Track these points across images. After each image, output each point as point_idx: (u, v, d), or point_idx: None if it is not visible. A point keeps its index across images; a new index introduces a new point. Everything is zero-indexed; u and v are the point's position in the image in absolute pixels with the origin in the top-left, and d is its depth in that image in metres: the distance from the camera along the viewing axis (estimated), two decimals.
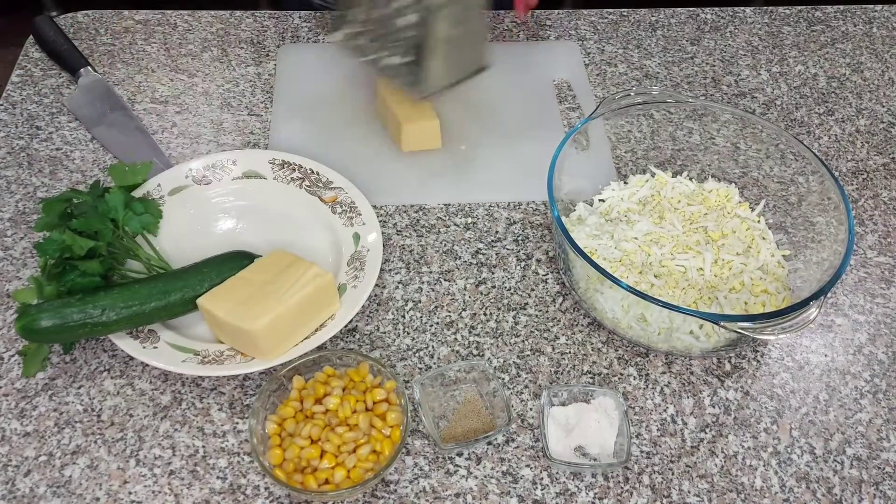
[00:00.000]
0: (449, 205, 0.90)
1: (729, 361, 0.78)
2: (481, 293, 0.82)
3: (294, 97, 1.00)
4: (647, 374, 0.77)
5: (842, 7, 1.19)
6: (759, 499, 0.69)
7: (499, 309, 0.81)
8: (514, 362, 0.77)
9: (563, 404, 0.73)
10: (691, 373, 0.77)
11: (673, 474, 0.70)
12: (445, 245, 0.86)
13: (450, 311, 0.80)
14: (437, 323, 0.79)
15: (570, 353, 0.78)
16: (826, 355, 0.80)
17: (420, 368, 0.76)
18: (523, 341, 0.79)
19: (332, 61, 1.04)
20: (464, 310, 0.81)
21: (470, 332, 0.79)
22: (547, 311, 0.81)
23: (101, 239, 0.74)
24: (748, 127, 0.86)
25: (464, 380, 0.74)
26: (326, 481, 0.65)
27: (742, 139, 0.87)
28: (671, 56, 1.10)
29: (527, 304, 0.82)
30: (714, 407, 0.75)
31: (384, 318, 0.80)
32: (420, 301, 0.81)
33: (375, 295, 0.81)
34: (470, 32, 0.85)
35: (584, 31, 1.12)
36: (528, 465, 0.70)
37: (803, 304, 0.68)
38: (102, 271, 0.73)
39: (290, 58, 1.05)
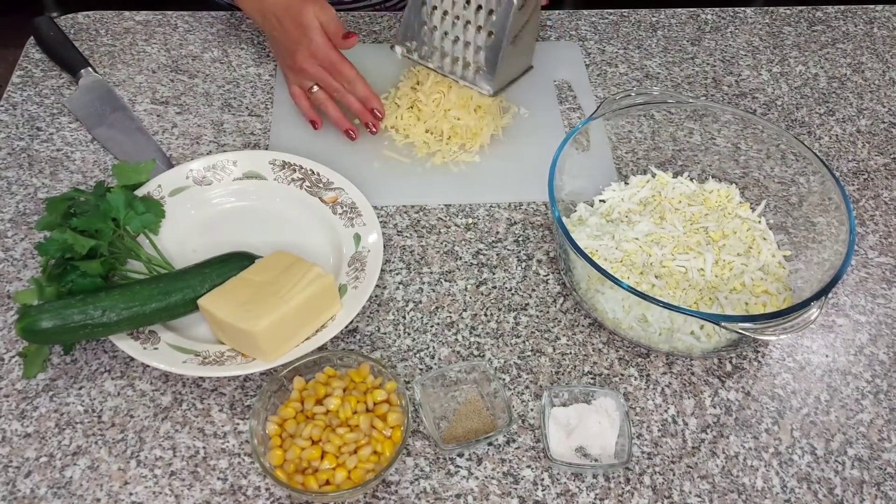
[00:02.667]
0: (449, 205, 0.90)
1: (730, 362, 0.78)
2: (482, 294, 0.82)
3: None
4: (648, 375, 0.77)
5: (842, 7, 1.19)
6: (760, 499, 0.69)
7: (499, 309, 0.81)
8: (514, 363, 0.77)
9: (564, 405, 0.73)
10: (692, 373, 0.77)
11: (674, 475, 0.70)
12: (446, 246, 0.86)
13: (450, 312, 0.80)
14: (438, 323, 0.79)
15: (570, 353, 0.78)
16: (827, 356, 0.80)
17: (421, 369, 0.76)
18: (524, 342, 0.79)
19: None
20: (464, 310, 0.81)
21: (471, 333, 0.79)
22: (548, 312, 0.81)
23: (102, 238, 0.74)
24: (749, 127, 0.86)
25: (464, 380, 0.74)
26: (327, 482, 0.65)
27: (743, 139, 0.87)
28: (672, 56, 1.10)
29: (527, 304, 0.82)
30: (715, 407, 0.75)
31: (385, 319, 0.79)
32: (421, 302, 0.81)
33: (376, 296, 0.81)
34: (530, 31, 0.90)
35: (585, 32, 1.12)
36: (528, 466, 0.70)
37: (804, 305, 0.68)
38: (103, 272, 0.73)
39: None
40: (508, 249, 0.86)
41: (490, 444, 0.71)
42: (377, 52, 1.06)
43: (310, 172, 0.87)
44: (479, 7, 0.85)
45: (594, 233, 0.82)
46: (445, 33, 0.89)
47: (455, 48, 0.89)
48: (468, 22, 0.87)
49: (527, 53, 0.93)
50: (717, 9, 1.18)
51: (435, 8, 0.89)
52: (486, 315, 0.80)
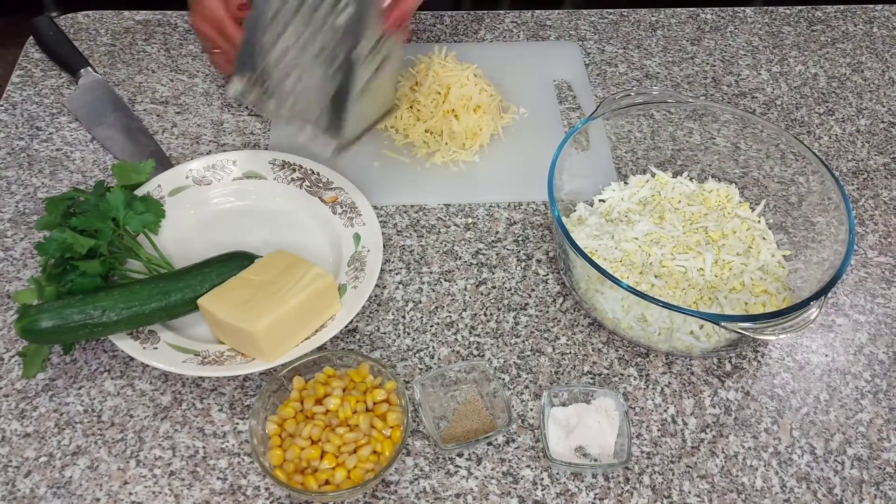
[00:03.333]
0: (449, 205, 0.90)
1: (729, 361, 0.78)
2: (482, 293, 0.82)
3: None
4: (648, 375, 0.77)
5: (842, 7, 1.19)
6: (759, 499, 0.69)
7: (499, 309, 0.81)
8: (514, 363, 0.77)
9: (564, 405, 0.73)
10: (692, 373, 0.77)
11: (673, 475, 0.70)
12: (446, 245, 0.86)
13: (450, 312, 0.80)
14: (438, 323, 0.79)
15: (570, 353, 0.78)
16: (827, 355, 0.80)
17: (420, 369, 0.76)
18: (524, 342, 0.79)
19: None
20: (464, 310, 0.81)
21: (470, 333, 0.79)
22: (547, 312, 0.81)
23: (102, 238, 0.74)
24: (748, 127, 0.86)
25: (464, 380, 0.74)
26: (327, 482, 0.65)
27: (742, 139, 0.87)
28: (671, 56, 1.10)
29: (527, 304, 0.82)
30: (714, 407, 0.75)
31: (384, 319, 0.80)
32: (420, 301, 0.81)
33: (376, 295, 0.81)
34: (387, 77, 0.82)
35: (585, 31, 1.12)
36: (528, 466, 0.70)
37: (804, 305, 0.68)
38: (103, 271, 0.73)
39: None
40: (508, 249, 0.86)
41: (489, 443, 0.71)
42: None
43: (309, 172, 0.87)
44: (323, 49, 0.74)
45: (594, 232, 0.82)
46: (287, 74, 0.75)
47: (297, 90, 0.76)
48: (310, 66, 0.75)
49: (386, 97, 0.85)
50: (716, 8, 1.18)
51: (274, 41, 0.75)
52: (485, 315, 0.81)
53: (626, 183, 0.89)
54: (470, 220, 0.89)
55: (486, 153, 0.95)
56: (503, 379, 0.76)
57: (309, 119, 0.78)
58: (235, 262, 0.77)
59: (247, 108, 0.98)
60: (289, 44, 0.74)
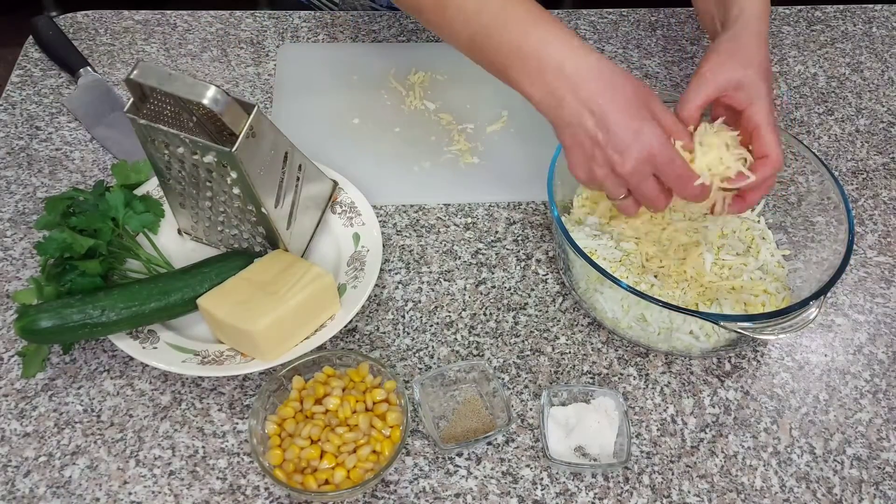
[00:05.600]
0: (449, 205, 0.90)
1: (729, 361, 0.78)
2: (481, 293, 0.82)
3: (294, 97, 1.00)
4: (647, 374, 0.77)
5: (841, 7, 1.19)
6: (759, 499, 0.69)
7: (499, 309, 0.81)
8: (513, 362, 0.77)
9: (563, 404, 0.73)
10: (691, 373, 0.77)
11: (673, 474, 0.70)
12: (445, 245, 0.86)
13: (450, 311, 0.80)
14: (437, 323, 0.79)
15: (569, 353, 0.78)
16: (826, 355, 0.80)
17: (420, 368, 0.76)
18: (523, 341, 0.79)
19: (332, 61, 1.04)
20: (464, 310, 0.81)
21: (470, 332, 0.79)
22: (547, 311, 0.81)
23: (101, 238, 0.74)
24: None
25: (464, 380, 0.74)
26: (326, 482, 0.65)
27: None
28: (671, 56, 1.10)
29: (527, 304, 0.82)
30: (714, 407, 0.75)
31: (384, 319, 0.80)
32: (420, 301, 0.81)
33: (375, 295, 0.81)
34: (314, 184, 0.80)
35: (584, 31, 1.12)
36: (528, 466, 0.70)
37: (803, 304, 0.68)
38: (102, 271, 0.73)
39: (290, 58, 1.05)
40: (507, 249, 0.86)
41: (489, 443, 0.71)
42: (373, 51, 1.06)
43: None
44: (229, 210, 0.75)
45: (593, 232, 0.82)
46: (210, 207, 0.76)
47: (231, 236, 0.79)
48: (229, 222, 0.77)
49: (321, 192, 0.82)
50: None
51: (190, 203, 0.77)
52: (485, 314, 0.81)
53: None
54: (469, 220, 0.89)
55: (486, 153, 0.95)
56: (503, 378, 0.76)
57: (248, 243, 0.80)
58: (235, 261, 0.77)
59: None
60: (203, 206, 0.76)
